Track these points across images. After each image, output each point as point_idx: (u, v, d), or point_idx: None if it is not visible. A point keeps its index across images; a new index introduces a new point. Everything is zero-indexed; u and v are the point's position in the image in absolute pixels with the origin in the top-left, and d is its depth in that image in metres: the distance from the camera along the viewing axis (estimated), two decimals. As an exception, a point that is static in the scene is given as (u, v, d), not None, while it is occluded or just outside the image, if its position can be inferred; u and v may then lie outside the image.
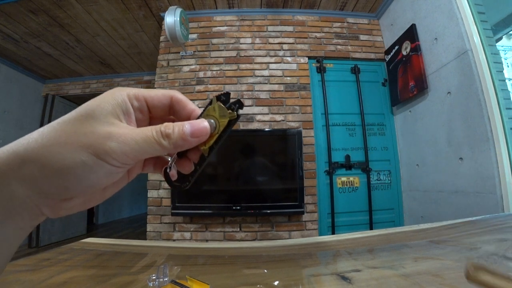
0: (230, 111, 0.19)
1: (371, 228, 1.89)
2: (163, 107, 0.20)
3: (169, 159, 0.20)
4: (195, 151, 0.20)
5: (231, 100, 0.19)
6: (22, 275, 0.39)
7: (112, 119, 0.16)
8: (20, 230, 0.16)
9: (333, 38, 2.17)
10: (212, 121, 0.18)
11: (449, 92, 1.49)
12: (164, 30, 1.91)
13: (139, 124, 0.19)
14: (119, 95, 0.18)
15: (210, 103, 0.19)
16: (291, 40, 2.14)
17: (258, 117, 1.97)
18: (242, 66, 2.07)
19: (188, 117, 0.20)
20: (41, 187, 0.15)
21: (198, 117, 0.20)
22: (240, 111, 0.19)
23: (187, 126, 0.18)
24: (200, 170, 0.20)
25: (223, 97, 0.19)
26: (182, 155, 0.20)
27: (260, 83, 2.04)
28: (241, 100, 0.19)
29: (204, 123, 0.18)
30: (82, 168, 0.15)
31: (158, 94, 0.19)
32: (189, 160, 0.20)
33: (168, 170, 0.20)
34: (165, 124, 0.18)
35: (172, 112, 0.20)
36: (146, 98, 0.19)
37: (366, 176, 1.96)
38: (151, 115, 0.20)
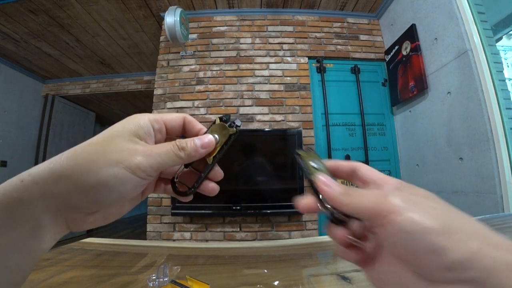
0: (230, 128, 0.23)
1: (371, 228, 1.89)
2: (178, 127, 0.23)
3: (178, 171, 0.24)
4: (200, 162, 0.23)
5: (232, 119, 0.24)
6: (22, 275, 0.39)
7: (135, 139, 0.19)
8: (45, 243, 0.17)
9: (333, 38, 2.17)
10: (216, 135, 0.23)
11: (449, 92, 1.49)
12: (164, 30, 1.91)
13: (157, 143, 0.22)
14: (142, 118, 0.20)
15: (214, 122, 0.24)
16: (291, 40, 2.13)
17: (258, 117, 1.97)
18: (242, 66, 2.07)
19: (197, 135, 0.24)
20: (73, 201, 0.17)
21: (205, 133, 0.24)
22: (239, 128, 0.23)
23: (196, 140, 0.21)
24: (204, 176, 0.23)
25: (224, 118, 0.23)
26: (187, 166, 0.24)
27: (260, 83, 2.04)
28: (239, 119, 0.23)
29: (209, 137, 0.22)
30: (114, 181, 0.17)
31: (173, 117, 0.23)
32: (193, 173, 0.23)
33: (175, 179, 0.23)
34: (179, 140, 0.21)
35: (184, 131, 0.24)
36: (164, 121, 0.22)
37: (366, 176, 1.95)
38: (167, 136, 0.23)
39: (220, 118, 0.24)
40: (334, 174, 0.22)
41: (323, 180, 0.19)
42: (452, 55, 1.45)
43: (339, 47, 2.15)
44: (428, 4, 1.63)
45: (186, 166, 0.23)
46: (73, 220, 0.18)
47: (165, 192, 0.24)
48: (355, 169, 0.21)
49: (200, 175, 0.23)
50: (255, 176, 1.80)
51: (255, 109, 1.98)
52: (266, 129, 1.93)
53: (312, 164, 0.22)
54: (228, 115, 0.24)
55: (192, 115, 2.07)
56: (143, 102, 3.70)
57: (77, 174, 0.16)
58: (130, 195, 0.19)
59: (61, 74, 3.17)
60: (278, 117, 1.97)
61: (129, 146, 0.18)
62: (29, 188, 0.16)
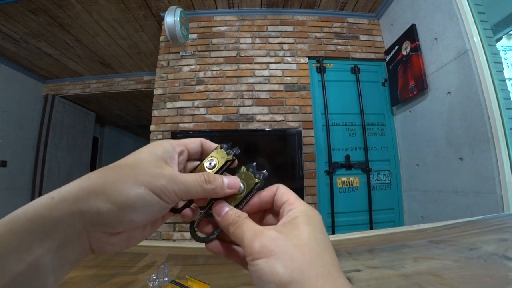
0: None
1: (371, 228, 1.89)
2: (197, 148, 0.25)
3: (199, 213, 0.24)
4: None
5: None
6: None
7: (162, 164, 0.20)
8: (68, 263, 0.17)
9: (333, 38, 2.17)
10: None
11: (449, 92, 1.49)
12: (164, 30, 1.91)
13: (180, 165, 0.23)
14: (165, 143, 0.22)
15: (215, 148, 0.25)
16: (291, 40, 2.13)
17: (258, 117, 1.97)
18: (242, 66, 2.07)
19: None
20: (101, 218, 0.17)
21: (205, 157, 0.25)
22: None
23: (225, 178, 0.22)
24: (205, 211, 0.23)
25: (226, 145, 0.25)
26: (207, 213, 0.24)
27: (260, 83, 2.03)
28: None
29: (238, 180, 0.22)
30: (141, 201, 0.18)
31: (191, 140, 0.25)
32: (210, 223, 0.24)
33: (195, 226, 0.24)
34: (207, 173, 0.22)
35: (202, 154, 0.25)
36: (185, 144, 0.24)
37: (366, 176, 1.95)
38: (188, 158, 0.24)
39: (221, 146, 0.25)
40: (260, 206, 0.23)
41: (217, 209, 0.21)
42: (452, 55, 1.45)
43: (339, 47, 2.15)
44: (428, 4, 1.63)
45: (206, 212, 0.23)
46: (97, 240, 0.18)
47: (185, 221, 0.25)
48: (274, 193, 0.22)
49: (204, 212, 0.23)
50: (255, 176, 1.80)
51: (255, 109, 1.98)
52: (266, 129, 1.93)
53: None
54: (229, 142, 0.25)
55: (192, 115, 2.07)
56: (143, 102, 3.70)
57: (106, 192, 0.17)
58: (154, 217, 0.20)
59: (61, 74, 3.17)
60: (278, 117, 1.97)
61: (156, 170, 0.19)
62: (58, 205, 0.16)
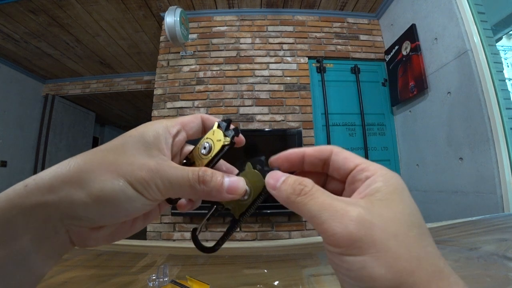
0: (224, 135, 0.20)
1: (371, 228, 1.89)
2: (197, 127, 0.21)
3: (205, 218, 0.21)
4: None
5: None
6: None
7: (151, 151, 0.17)
8: (49, 258, 0.15)
9: (333, 38, 2.17)
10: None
11: (449, 92, 1.49)
12: (164, 30, 1.91)
13: (174, 148, 0.20)
14: (159, 126, 0.18)
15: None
16: (291, 40, 2.13)
17: (258, 117, 1.97)
18: (242, 66, 2.07)
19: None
20: (76, 210, 0.15)
21: (201, 139, 0.21)
22: (236, 136, 0.20)
23: (226, 180, 0.17)
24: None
25: (222, 124, 0.20)
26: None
27: (260, 83, 2.03)
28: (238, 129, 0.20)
29: (241, 182, 0.18)
30: (118, 195, 0.15)
31: (190, 118, 0.21)
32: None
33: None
34: (204, 168, 0.17)
35: (204, 131, 0.22)
36: (182, 122, 0.20)
37: (366, 176, 1.95)
38: (188, 138, 0.21)
39: (218, 124, 0.20)
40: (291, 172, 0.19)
41: (270, 180, 0.17)
42: (452, 55, 1.45)
43: (339, 47, 2.15)
44: (428, 4, 1.63)
45: (209, 217, 0.21)
46: (77, 234, 0.16)
47: (185, 209, 0.21)
48: (326, 158, 0.18)
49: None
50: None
51: (255, 109, 1.98)
52: (266, 129, 1.93)
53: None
54: (229, 120, 0.21)
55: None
56: (143, 102, 3.70)
57: (81, 182, 0.15)
58: (139, 213, 0.17)
59: (61, 74, 3.17)
60: (278, 117, 1.97)
61: (140, 159, 0.16)
62: (31, 194, 0.14)
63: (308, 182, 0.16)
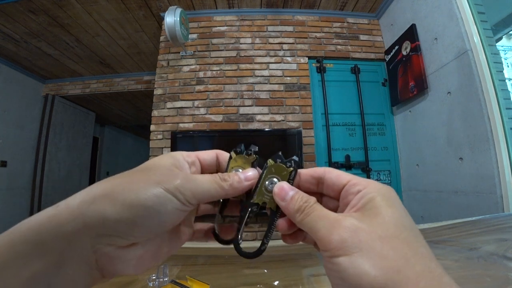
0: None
1: (371, 228, 1.89)
2: (211, 161, 0.22)
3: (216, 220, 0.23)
4: (234, 206, 0.23)
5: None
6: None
7: (175, 169, 0.19)
8: (73, 284, 0.15)
9: (333, 38, 2.17)
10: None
11: (449, 92, 1.49)
12: (164, 30, 1.91)
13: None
14: (176, 154, 0.20)
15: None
16: (291, 40, 2.13)
17: (258, 117, 1.97)
18: (242, 66, 2.07)
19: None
20: (107, 224, 0.14)
21: (226, 170, 0.22)
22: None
23: (240, 174, 0.20)
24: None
25: (239, 149, 0.22)
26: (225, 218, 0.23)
27: (260, 83, 2.03)
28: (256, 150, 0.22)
29: (254, 171, 0.21)
30: (154, 200, 0.16)
31: (205, 151, 0.23)
32: (231, 228, 0.22)
33: (216, 230, 0.22)
34: (221, 173, 0.20)
35: (218, 167, 0.23)
36: (197, 155, 0.22)
37: (366, 176, 1.95)
38: (202, 170, 0.22)
39: (235, 151, 0.22)
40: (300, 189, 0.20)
41: (279, 192, 0.19)
42: (452, 55, 1.45)
43: (339, 47, 2.15)
44: (428, 4, 1.63)
45: (223, 217, 0.22)
46: (105, 256, 0.15)
47: (204, 240, 0.23)
48: (320, 177, 0.20)
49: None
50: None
51: (255, 109, 1.98)
52: (266, 129, 1.93)
53: (267, 182, 0.21)
54: (241, 144, 0.22)
55: (192, 115, 2.07)
56: (143, 102, 3.70)
57: (114, 194, 0.15)
58: (171, 223, 0.18)
59: (61, 74, 3.17)
60: (278, 117, 1.97)
61: (170, 172, 0.18)
62: (60, 213, 0.14)
63: (311, 200, 0.18)
